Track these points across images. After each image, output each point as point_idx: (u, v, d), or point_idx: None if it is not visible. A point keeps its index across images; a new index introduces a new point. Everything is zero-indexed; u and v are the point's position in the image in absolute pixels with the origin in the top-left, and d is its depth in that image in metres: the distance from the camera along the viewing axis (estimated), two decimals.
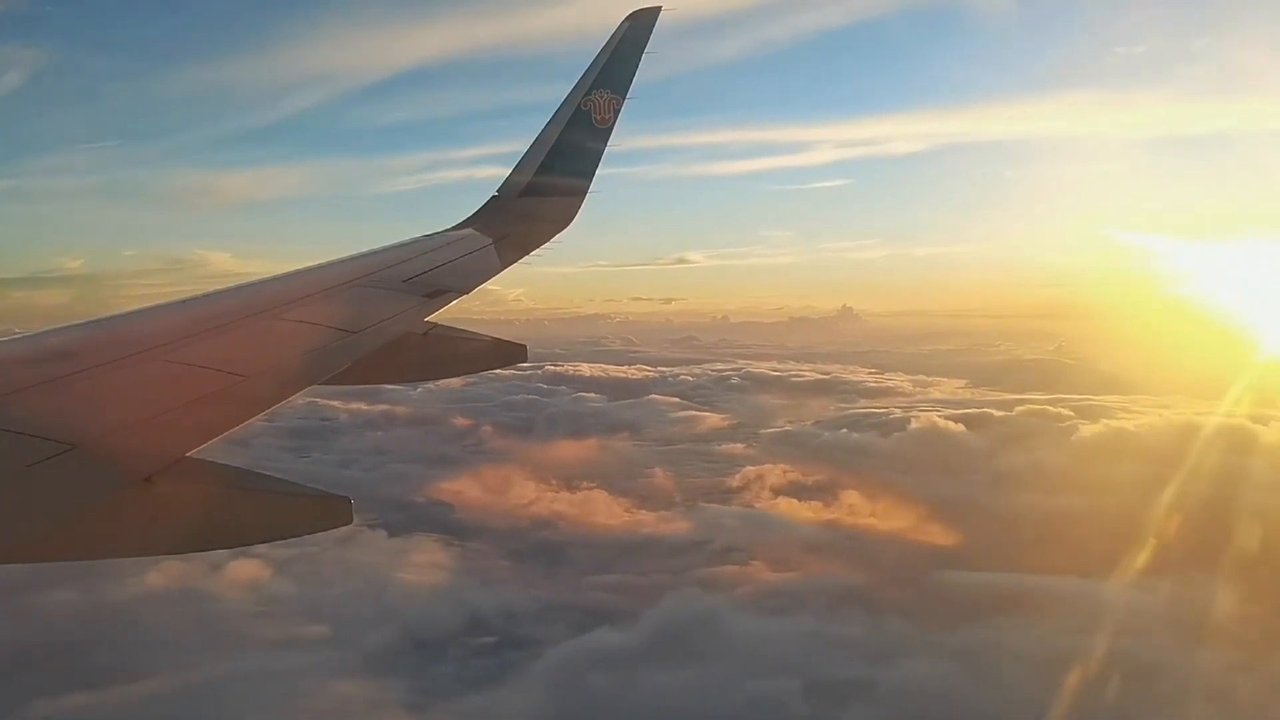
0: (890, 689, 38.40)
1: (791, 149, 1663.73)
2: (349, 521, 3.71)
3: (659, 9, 9.66)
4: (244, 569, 45.16)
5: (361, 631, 40.37)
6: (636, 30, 9.67)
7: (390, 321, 5.68)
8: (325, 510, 3.76)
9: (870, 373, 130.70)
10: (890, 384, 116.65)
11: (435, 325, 5.96)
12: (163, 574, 41.87)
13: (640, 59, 9.58)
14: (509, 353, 6.06)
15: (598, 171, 9.62)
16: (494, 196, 9.65)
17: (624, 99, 9.57)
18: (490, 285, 7.52)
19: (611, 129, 9.56)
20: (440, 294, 6.55)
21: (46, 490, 3.16)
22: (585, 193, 9.60)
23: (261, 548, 46.55)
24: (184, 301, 5.83)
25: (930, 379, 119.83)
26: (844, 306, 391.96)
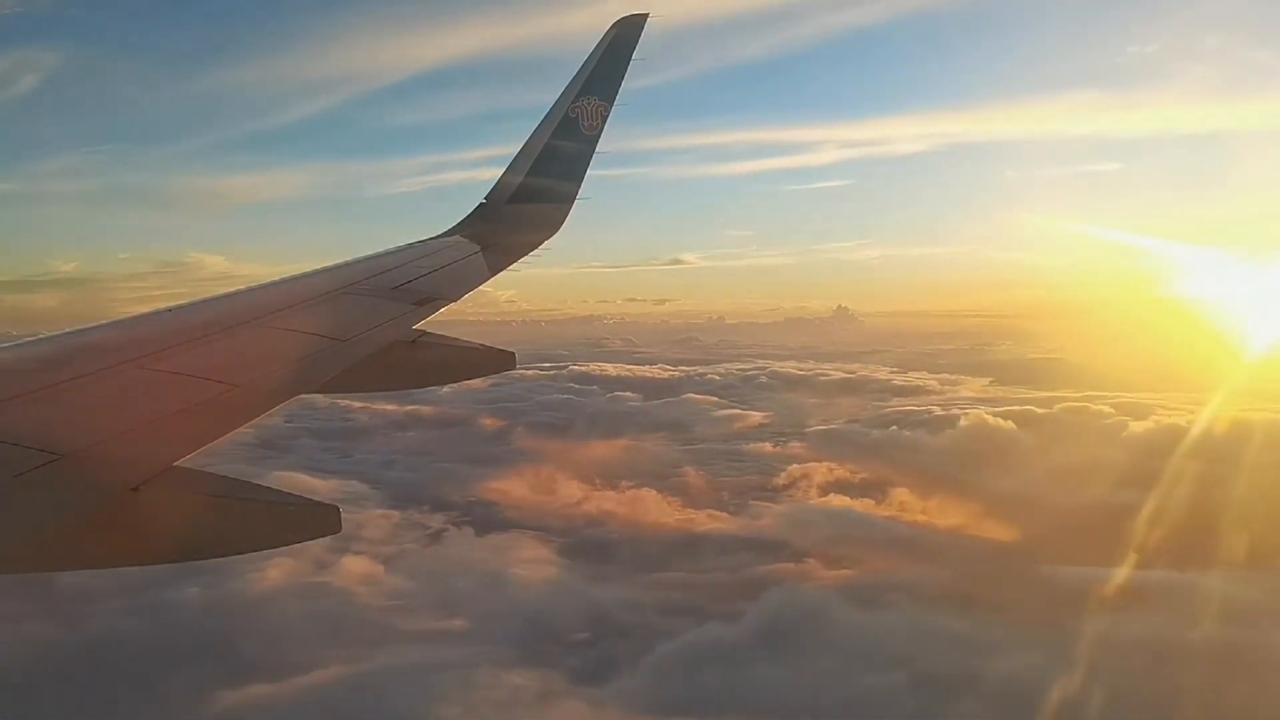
0: (996, 682, 38.80)
1: (795, 150, 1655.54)
2: (337, 530, 3.71)
3: (646, 15, 9.66)
4: (355, 565, 45.18)
5: (500, 625, 40.41)
6: (624, 36, 9.59)
7: (379, 329, 5.73)
8: (313, 519, 3.73)
9: (892, 371, 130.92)
10: (917, 382, 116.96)
11: (424, 333, 5.98)
12: (279, 569, 41.86)
13: (628, 65, 9.52)
14: (497, 360, 6.01)
15: (590, 175, 9.56)
16: (482, 203, 9.65)
17: (611, 105, 9.51)
18: (482, 287, 7.61)
19: (599, 135, 9.51)
20: (429, 301, 6.60)
21: (33, 500, 3.12)
22: (573, 199, 9.59)
23: (364, 544, 46.85)
24: (173, 309, 5.86)
25: (954, 377, 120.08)
26: (840, 307, 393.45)
